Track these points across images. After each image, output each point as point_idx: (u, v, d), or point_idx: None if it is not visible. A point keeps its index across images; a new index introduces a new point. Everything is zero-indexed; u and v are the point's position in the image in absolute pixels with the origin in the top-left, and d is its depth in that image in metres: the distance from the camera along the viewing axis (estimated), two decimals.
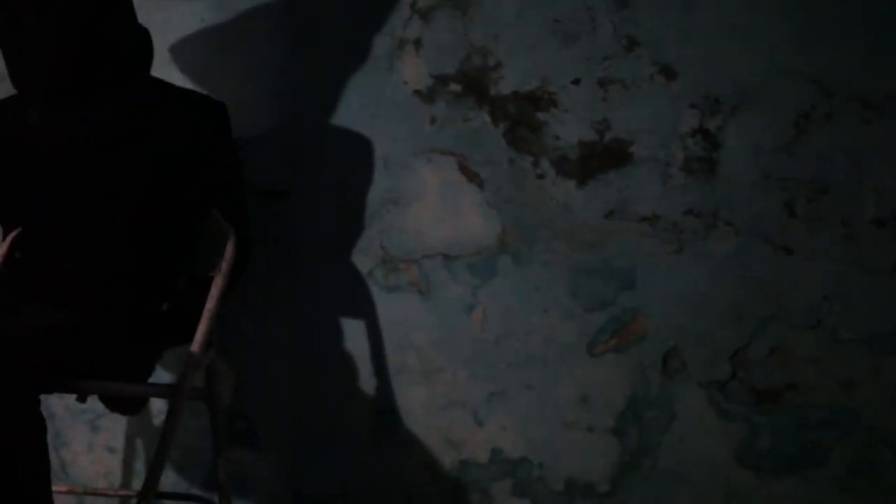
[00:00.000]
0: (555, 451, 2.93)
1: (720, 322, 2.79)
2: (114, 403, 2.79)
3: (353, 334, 3.07)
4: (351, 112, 3.03)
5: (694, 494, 2.84)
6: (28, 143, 2.69)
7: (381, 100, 3.00)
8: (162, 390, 2.65)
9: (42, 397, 2.33)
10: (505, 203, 2.91)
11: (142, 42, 2.75)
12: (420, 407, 3.04)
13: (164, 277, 2.75)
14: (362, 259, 3.04)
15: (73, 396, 2.73)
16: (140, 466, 3.32)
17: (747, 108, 2.72)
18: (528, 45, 2.87)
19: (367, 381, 3.07)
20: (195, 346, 2.61)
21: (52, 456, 3.27)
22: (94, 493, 3.12)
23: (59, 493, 2.92)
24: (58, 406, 3.34)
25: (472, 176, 2.93)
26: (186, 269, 2.82)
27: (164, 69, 3.12)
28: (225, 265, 2.75)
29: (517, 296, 2.92)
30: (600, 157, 2.83)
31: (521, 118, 2.88)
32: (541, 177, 2.87)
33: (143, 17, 2.83)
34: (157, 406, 3.28)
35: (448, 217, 2.96)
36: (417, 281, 3.00)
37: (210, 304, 2.68)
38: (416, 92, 2.96)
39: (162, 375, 3.17)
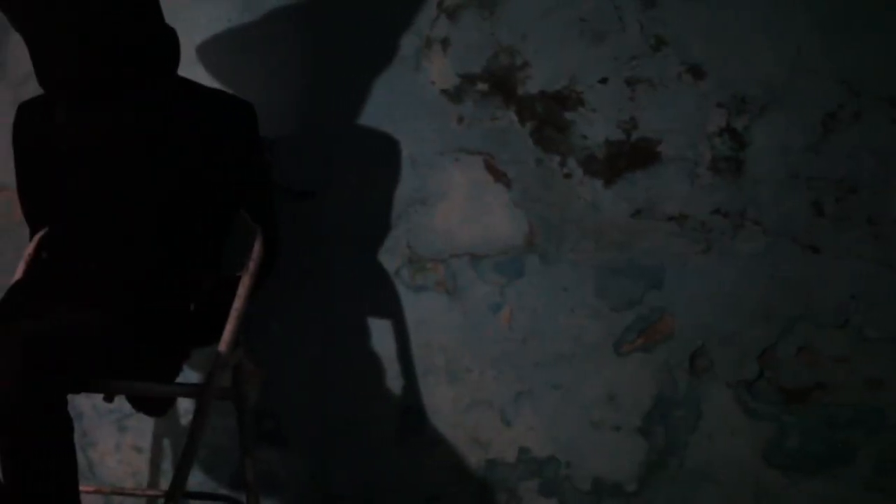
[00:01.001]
0: (582, 450, 2.95)
1: (748, 321, 2.79)
2: (141, 404, 2.82)
3: (380, 334, 3.10)
4: (378, 112, 3.06)
5: (721, 494, 2.85)
6: (54, 143, 2.73)
7: (408, 99, 3.03)
8: (189, 390, 2.67)
9: (69, 397, 2.37)
10: (532, 202, 2.93)
11: (168, 42, 2.78)
12: (447, 406, 3.06)
13: (192, 277, 2.76)
14: (389, 258, 3.07)
15: (101, 396, 2.79)
16: (167, 466, 3.35)
17: (775, 107, 2.74)
18: (556, 45, 2.90)
19: (393, 381, 3.09)
20: (222, 345, 2.64)
21: (80, 456, 3.31)
22: (122, 493, 3.13)
23: (87, 492, 2.97)
24: (85, 406, 3.38)
25: (499, 175, 2.95)
26: (214, 269, 2.84)
27: (191, 69, 3.16)
28: (252, 265, 2.78)
29: (544, 295, 2.94)
30: (627, 157, 2.85)
31: (549, 117, 2.91)
32: (568, 176, 2.90)
33: (170, 17, 2.87)
34: (185, 406, 3.31)
35: (475, 216, 2.99)
36: (444, 280, 3.02)
37: (237, 303, 2.71)
38: (444, 91, 3.00)
39: (189, 375, 3.20)
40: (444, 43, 3.00)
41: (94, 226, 2.73)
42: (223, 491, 3.27)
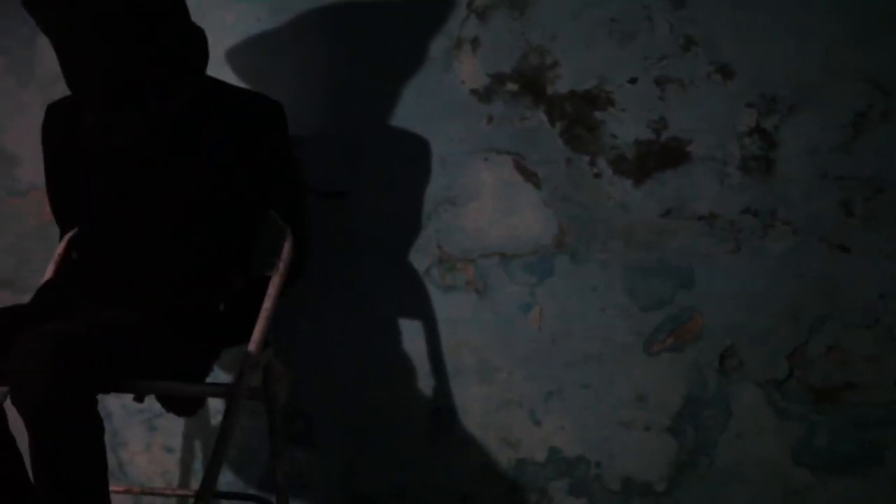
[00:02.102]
0: (612, 450, 2.98)
1: (777, 321, 2.82)
2: (171, 403, 2.83)
3: (410, 334, 3.13)
4: (408, 112, 3.10)
5: (751, 493, 2.87)
6: (83, 144, 2.77)
7: (438, 99, 3.07)
8: (219, 390, 2.71)
9: (99, 397, 2.39)
10: (562, 202, 2.97)
11: (197, 42, 2.80)
12: (477, 406, 3.09)
13: (222, 277, 2.80)
14: (419, 258, 3.11)
15: (130, 396, 2.78)
16: (197, 466, 3.38)
17: (804, 107, 2.77)
18: (585, 45, 2.94)
19: (423, 381, 3.13)
20: (252, 345, 2.67)
21: (110, 455, 3.26)
22: (152, 493, 3.18)
23: (117, 492, 2.98)
24: (115, 406, 3.41)
25: (528, 175, 2.99)
26: (244, 269, 2.87)
27: (220, 69, 3.19)
28: (282, 265, 2.81)
29: (574, 295, 2.98)
30: (657, 156, 2.89)
31: (578, 117, 2.95)
32: (598, 176, 2.94)
33: (198, 18, 2.90)
34: (215, 406, 3.34)
35: (505, 216, 3.02)
36: (474, 280, 3.06)
37: (267, 303, 2.74)
38: (473, 91, 3.04)
39: (219, 375, 3.23)
40: (474, 43, 3.03)
41: (123, 226, 2.77)
42: (253, 491, 3.28)
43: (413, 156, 3.11)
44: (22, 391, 2.27)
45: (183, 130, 2.74)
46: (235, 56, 3.28)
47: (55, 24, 2.66)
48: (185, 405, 2.85)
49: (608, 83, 2.94)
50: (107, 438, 2.43)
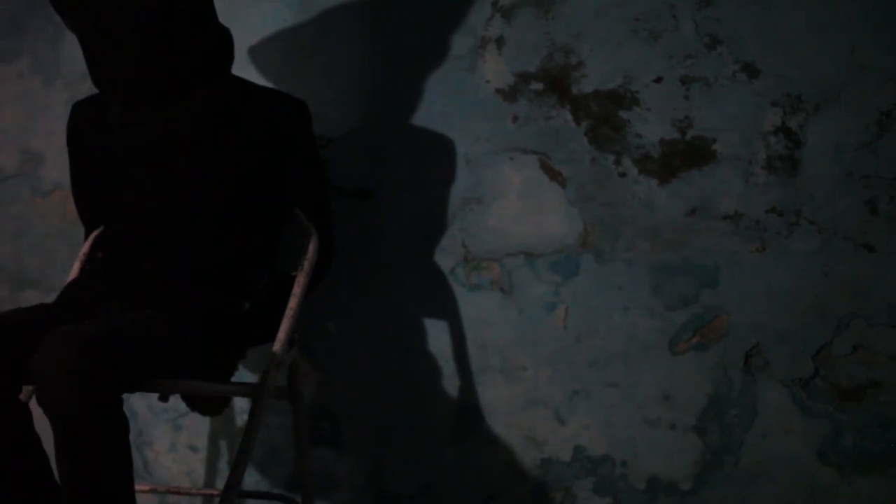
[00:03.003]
0: (637, 449, 3.01)
1: (803, 320, 2.84)
2: (196, 403, 2.87)
3: (435, 333, 3.17)
4: (433, 111, 3.14)
5: (777, 492, 2.89)
6: (109, 143, 2.80)
7: (462, 98, 3.11)
8: (245, 389, 2.68)
9: (124, 396, 2.41)
10: (587, 201, 3.00)
11: (222, 42, 2.84)
12: (502, 405, 3.12)
13: (247, 276, 2.84)
14: (444, 257, 3.15)
15: (156, 395, 2.83)
16: (223, 465, 3.42)
17: (829, 106, 2.79)
18: (611, 44, 2.97)
19: (449, 380, 3.16)
20: (277, 344, 2.70)
21: (135, 455, 3.41)
22: (177, 492, 3.19)
23: (142, 492, 3.06)
24: (140, 405, 3.46)
25: (554, 174, 3.03)
26: (269, 268, 2.90)
27: (246, 68, 3.24)
28: (307, 264, 2.82)
29: (599, 294, 3.01)
30: (682, 156, 2.91)
31: (604, 116, 2.98)
32: (623, 175, 2.97)
33: (225, 17, 2.95)
34: (240, 405, 3.38)
35: (530, 215, 3.06)
36: (500, 279, 3.09)
37: (292, 302, 2.77)
38: (498, 90, 3.08)
39: (245, 374, 3.26)
40: (499, 42, 3.08)
41: (148, 225, 2.80)
42: (278, 490, 3.32)
43: (438, 155, 3.14)
44: (47, 391, 2.28)
45: (208, 129, 2.76)
46: (260, 55, 3.31)
47: (83, 23, 2.69)
48: (210, 404, 2.89)
49: (633, 82, 2.96)
50: (132, 438, 2.50)
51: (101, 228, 3.02)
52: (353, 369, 3.27)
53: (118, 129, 2.79)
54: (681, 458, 2.98)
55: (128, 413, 2.52)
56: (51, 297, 3.04)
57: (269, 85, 3.26)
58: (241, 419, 3.40)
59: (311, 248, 2.87)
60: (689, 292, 2.94)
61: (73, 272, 3.01)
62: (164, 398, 2.84)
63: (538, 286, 3.07)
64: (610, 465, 3.05)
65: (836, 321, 2.83)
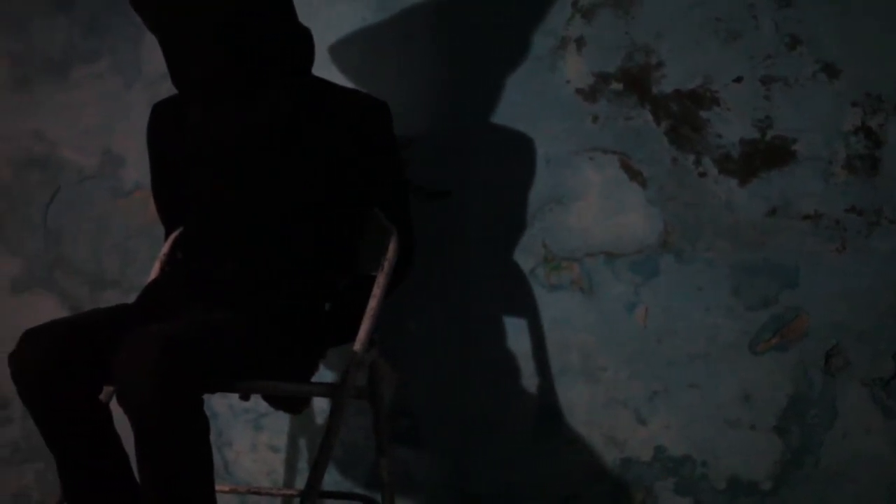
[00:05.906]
0: (717, 449, 3.09)
1: (883, 319, 2.93)
2: (277, 402, 2.94)
3: (515, 333, 3.26)
4: (513, 111, 3.24)
5: (857, 492, 2.97)
6: (189, 143, 2.90)
7: (542, 98, 3.22)
8: (325, 389, 2.80)
9: (205, 396, 2.52)
10: (667, 201, 3.10)
11: (303, 42, 2.94)
12: (582, 406, 3.21)
13: (327, 277, 2.93)
14: (524, 257, 3.24)
15: (236, 395, 2.97)
16: (303, 465, 3.52)
17: None
18: (690, 44, 3.07)
19: (529, 380, 3.26)
20: (357, 344, 2.78)
21: (215, 455, 3.40)
22: (258, 493, 3.29)
23: (223, 492, 3.11)
24: (221, 405, 3.57)
25: (634, 174, 3.13)
26: (349, 269, 3.01)
27: (327, 69, 3.34)
28: (387, 264, 2.92)
29: (679, 294, 3.11)
30: (762, 156, 3.01)
31: (684, 117, 3.08)
32: (703, 175, 3.07)
33: (305, 17, 3.03)
34: (321, 405, 3.48)
35: (610, 215, 3.16)
36: (580, 279, 3.19)
37: (372, 303, 2.86)
38: (578, 90, 3.18)
39: (325, 374, 3.35)
40: (579, 42, 3.18)
41: (228, 226, 2.90)
42: (359, 490, 3.40)
43: (518, 155, 3.24)
44: (128, 391, 2.39)
45: (289, 130, 2.85)
46: (341, 55, 3.41)
47: (163, 23, 2.79)
48: (291, 403, 2.96)
49: (713, 82, 3.06)
50: (212, 438, 2.57)
51: (182, 229, 3.13)
52: (432, 369, 3.38)
53: (198, 129, 2.89)
54: (761, 458, 3.06)
55: (208, 413, 2.57)
56: (130, 298, 3.11)
57: (350, 85, 3.33)
58: (322, 419, 3.49)
59: (391, 248, 2.96)
60: (770, 293, 3.03)
61: (154, 273, 3.12)
62: (245, 397, 2.98)
63: (618, 286, 3.18)
64: (690, 465, 3.14)
65: None
